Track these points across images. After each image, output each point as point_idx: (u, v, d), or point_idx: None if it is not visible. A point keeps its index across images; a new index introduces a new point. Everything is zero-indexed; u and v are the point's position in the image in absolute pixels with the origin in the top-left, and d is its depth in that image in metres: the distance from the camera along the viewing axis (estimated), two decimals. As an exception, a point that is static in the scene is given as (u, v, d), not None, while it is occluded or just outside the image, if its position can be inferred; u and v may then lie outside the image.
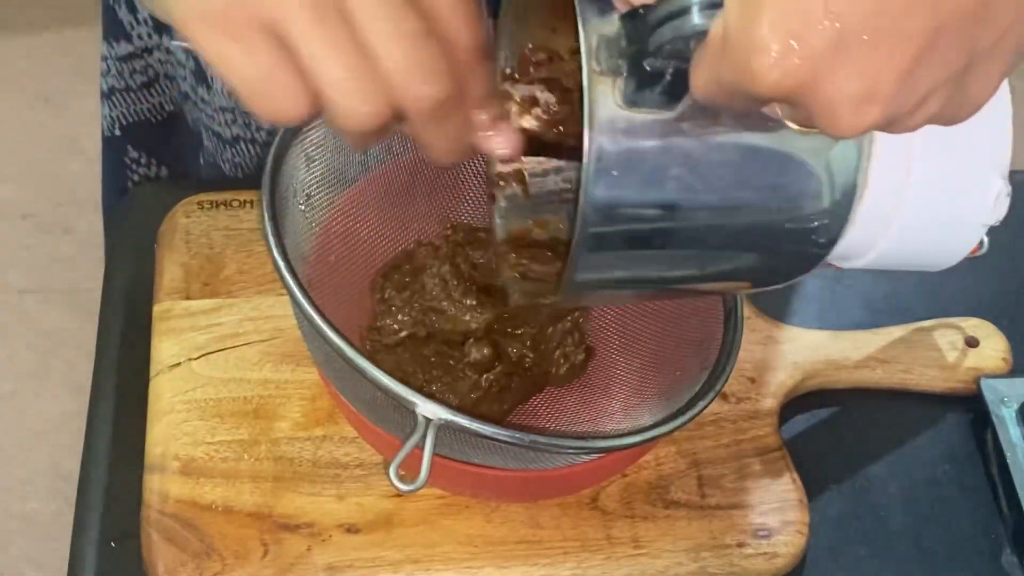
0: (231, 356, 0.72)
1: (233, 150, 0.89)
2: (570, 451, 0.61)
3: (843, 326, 0.76)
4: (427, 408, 0.56)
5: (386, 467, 0.57)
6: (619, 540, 0.67)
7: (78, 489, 0.70)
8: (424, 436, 0.56)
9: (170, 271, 0.76)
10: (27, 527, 1.58)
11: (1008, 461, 0.70)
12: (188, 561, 0.65)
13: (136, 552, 0.66)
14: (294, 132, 0.64)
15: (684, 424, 0.61)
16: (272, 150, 0.63)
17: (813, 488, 0.70)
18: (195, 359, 0.72)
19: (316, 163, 0.67)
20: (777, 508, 0.68)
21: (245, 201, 0.79)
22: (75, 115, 2.01)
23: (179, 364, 0.72)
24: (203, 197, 0.80)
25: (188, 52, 0.86)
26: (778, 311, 0.77)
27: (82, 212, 1.86)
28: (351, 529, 0.66)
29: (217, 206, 0.79)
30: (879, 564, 0.69)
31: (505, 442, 0.57)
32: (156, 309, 0.75)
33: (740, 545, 0.67)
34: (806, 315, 0.76)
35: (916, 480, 0.72)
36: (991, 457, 0.72)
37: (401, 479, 0.55)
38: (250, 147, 0.88)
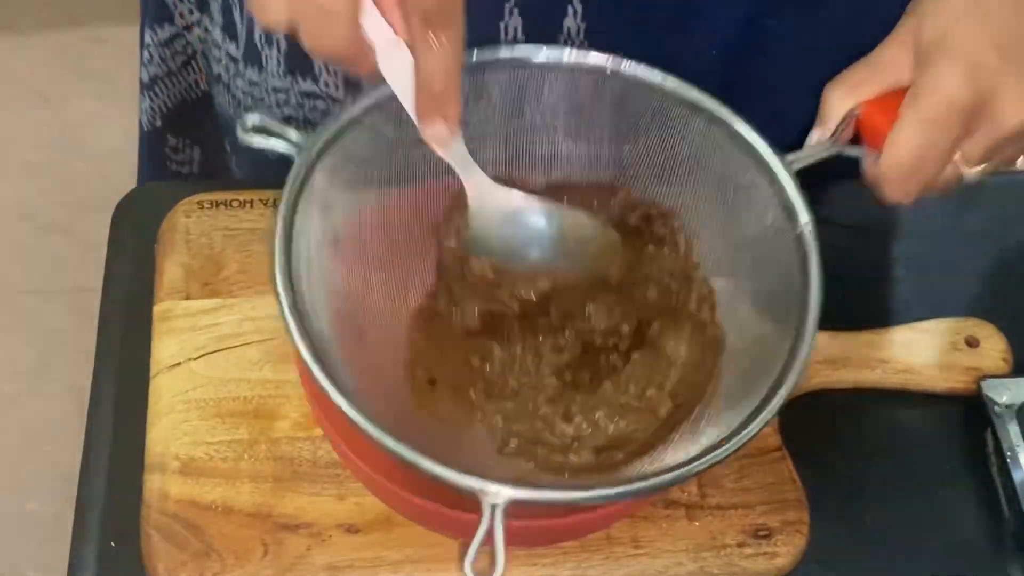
0: (231, 356, 0.72)
1: None
2: (665, 485, 0.56)
3: (843, 326, 0.76)
4: (494, 490, 0.52)
5: (460, 560, 0.54)
6: (619, 540, 0.67)
7: (78, 489, 0.70)
8: (492, 522, 0.52)
9: (170, 271, 0.76)
10: (27, 527, 1.58)
11: (1008, 461, 0.70)
12: (188, 561, 0.65)
13: (136, 552, 0.66)
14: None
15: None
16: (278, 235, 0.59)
17: (813, 488, 0.70)
18: (195, 359, 0.72)
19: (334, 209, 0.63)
20: (777, 508, 0.68)
21: (245, 201, 0.79)
22: (75, 115, 2.01)
23: (179, 364, 0.72)
24: (203, 197, 0.79)
25: (225, 34, 0.87)
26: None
27: (82, 212, 1.86)
28: (351, 529, 0.66)
29: (217, 206, 0.79)
30: (879, 564, 0.69)
31: (602, 498, 0.55)
32: (156, 309, 0.75)
33: (740, 545, 0.67)
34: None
35: (916, 480, 0.72)
36: (991, 457, 0.72)
37: (478, 572, 0.51)
38: (301, 127, 0.88)
